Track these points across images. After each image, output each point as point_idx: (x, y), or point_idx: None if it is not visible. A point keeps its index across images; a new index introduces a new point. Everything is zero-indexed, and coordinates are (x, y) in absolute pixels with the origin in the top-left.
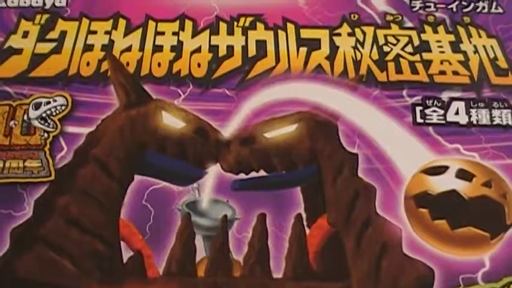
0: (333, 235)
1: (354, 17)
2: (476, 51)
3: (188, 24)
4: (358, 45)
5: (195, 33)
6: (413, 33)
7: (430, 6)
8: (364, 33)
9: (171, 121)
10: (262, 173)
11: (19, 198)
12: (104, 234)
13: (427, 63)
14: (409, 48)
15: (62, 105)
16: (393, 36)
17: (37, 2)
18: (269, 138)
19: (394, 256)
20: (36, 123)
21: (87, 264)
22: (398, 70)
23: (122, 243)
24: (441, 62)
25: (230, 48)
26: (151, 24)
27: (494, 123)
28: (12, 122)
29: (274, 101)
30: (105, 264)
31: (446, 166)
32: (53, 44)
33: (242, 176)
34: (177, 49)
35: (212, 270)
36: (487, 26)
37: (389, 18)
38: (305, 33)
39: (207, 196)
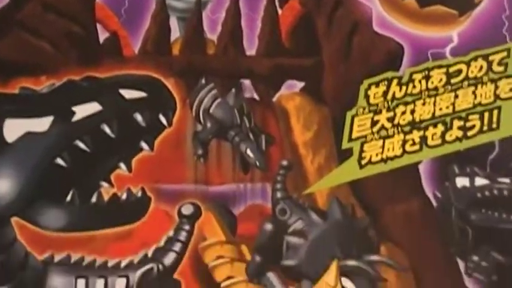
0: (305, 15)
1: None
2: None
3: None
4: None
5: None
6: None
7: None
8: None
9: None
10: None
11: None
12: (80, 17)
13: None
14: None
15: None
16: None
17: None
18: None
19: (365, 33)
20: None
21: (64, 44)
22: None
23: (98, 26)
24: None
25: None
26: None
27: None
28: None
29: None
30: (81, 44)
31: None
32: None
33: None
34: None
35: (186, 49)
36: None
37: None
38: None
39: None
